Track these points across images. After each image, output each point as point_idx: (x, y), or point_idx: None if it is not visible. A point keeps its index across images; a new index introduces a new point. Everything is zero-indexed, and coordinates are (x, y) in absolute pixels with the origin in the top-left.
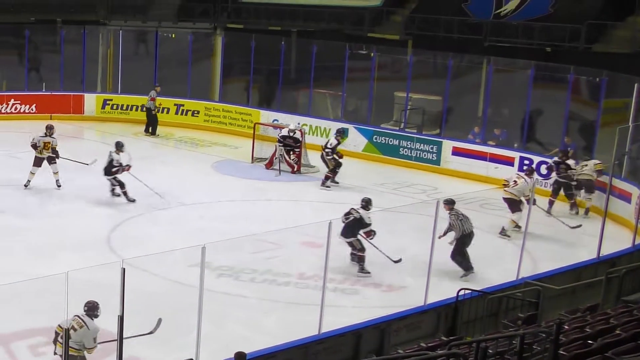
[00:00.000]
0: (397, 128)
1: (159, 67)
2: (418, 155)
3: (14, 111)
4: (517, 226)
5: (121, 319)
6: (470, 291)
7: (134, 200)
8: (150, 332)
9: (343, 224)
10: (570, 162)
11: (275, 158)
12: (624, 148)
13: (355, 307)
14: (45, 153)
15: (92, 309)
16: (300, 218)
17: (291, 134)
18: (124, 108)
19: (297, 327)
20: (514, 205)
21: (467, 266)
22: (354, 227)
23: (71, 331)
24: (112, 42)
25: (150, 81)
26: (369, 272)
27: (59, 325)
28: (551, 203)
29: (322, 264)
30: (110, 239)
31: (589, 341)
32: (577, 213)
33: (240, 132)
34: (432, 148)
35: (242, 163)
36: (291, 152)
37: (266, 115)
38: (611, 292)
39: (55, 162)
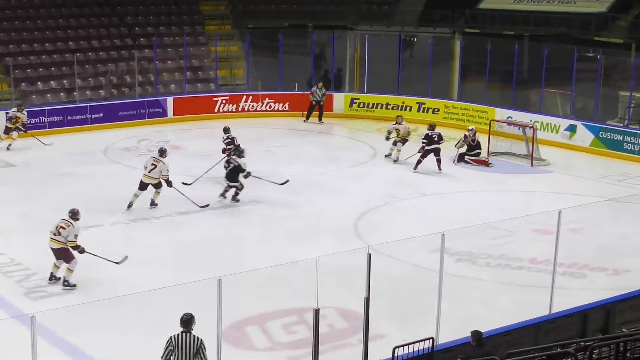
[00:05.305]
0: (622, 124)
1: (402, 68)
2: None
3: (268, 109)
4: None
5: (367, 300)
6: None
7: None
8: (117, 263)
9: (226, 170)
10: None
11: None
12: None
13: (583, 289)
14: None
15: (75, 214)
16: (531, 207)
17: None
18: (370, 106)
19: (529, 308)
20: None
21: None
22: (236, 172)
23: (61, 229)
24: (359, 46)
25: (393, 82)
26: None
27: (51, 230)
28: None
29: (552, 249)
30: (357, 226)
31: None
32: None
33: (477, 129)
34: None
35: None
36: None
37: (501, 113)
38: None
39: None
